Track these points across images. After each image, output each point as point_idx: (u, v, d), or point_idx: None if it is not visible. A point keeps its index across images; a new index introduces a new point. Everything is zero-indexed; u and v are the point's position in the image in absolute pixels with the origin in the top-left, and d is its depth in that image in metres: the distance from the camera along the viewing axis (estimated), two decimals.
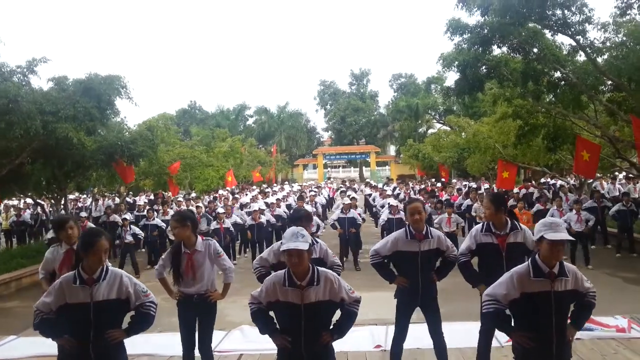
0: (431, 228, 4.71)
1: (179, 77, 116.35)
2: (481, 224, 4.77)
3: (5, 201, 18.71)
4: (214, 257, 4.73)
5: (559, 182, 20.52)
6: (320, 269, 3.44)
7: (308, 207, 12.94)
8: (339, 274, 3.69)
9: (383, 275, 4.82)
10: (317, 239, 4.83)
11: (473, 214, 13.83)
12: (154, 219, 13.34)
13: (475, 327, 6.32)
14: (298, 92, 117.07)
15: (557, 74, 13.14)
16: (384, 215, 11.85)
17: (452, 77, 48.54)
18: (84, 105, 11.13)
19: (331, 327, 3.47)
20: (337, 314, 3.50)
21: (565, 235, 3.23)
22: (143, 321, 3.55)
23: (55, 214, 16.10)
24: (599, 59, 12.32)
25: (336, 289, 3.38)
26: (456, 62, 13.06)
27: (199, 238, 4.71)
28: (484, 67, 13.24)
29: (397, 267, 4.81)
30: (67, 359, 3.48)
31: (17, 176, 12.44)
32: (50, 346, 6.35)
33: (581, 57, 12.99)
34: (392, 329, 6.29)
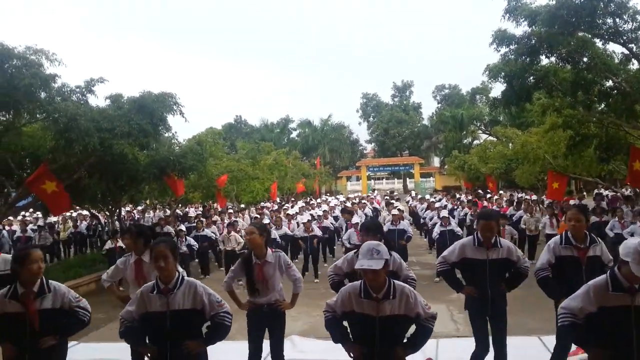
0: (501, 238, 4.63)
1: (225, 92, 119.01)
2: (559, 236, 4.64)
3: (63, 213, 19.60)
4: (284, 268, 4.87)
5: (608, 193, 19.78)
6: (397, 282, 3.45)
7: (355, 218, 12.98)
8: (414, 287, 3.71)
9: (450, 284, 4.78)
10: (392, 251, 4.76)
11: (522, 226, 13.52)
12: (203, 229, 13.71)
13: (529, 342, 6.27)
14: (341, 105, 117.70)
15: (609, 83, 12.76)
16: (437, 229, 11.73)
17: (498, 88, 47.70)
18: (138, 122, 11.55)
19: (405, 341, 3.46)
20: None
21: None
22: (218, 331, 3.65)
23: (110, 225, 16.76)
24: None
25: (412, 303, 3.36)
26: (502, 73, 12.88)
27: (269, 250, 4.85)
28: (531, 78, 12.96)
29: (465, 275, 4.75)
30: None
31: (75, 190, 12.99)
32: (108, 351, 6.71)
33: (634, 65, 12.58)
34: (442, 342, 6.34)
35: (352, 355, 3.50)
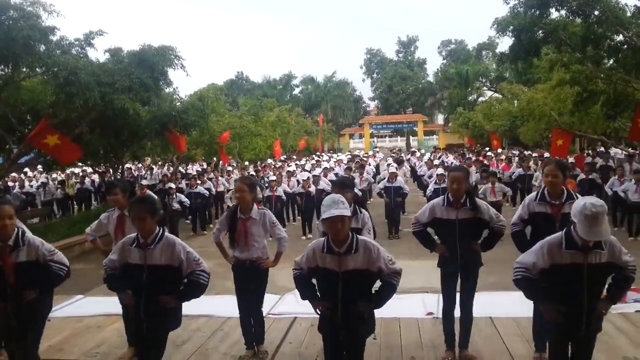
0: (472, 197, 4.56)
1: (227, 48, 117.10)
2: (535, 192, 4.62)
3: (68, 170, 19.67)
4: (269, 227, 4.86)
5: (617, 151, 19.65)
6: (361, 237, 3.44)
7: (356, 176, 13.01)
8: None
9: (423, 244, 4.80)
10: (362, 209, 4.75)
11: (534, 183, 13.47)
12: (196, 186, 13.74)
13: (511, 296, 6.31)
14: (344, 61, 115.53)
15: (620, 38, 12.43)
16: (431, 186, 11.75)
17: (505, 43, 46.77)
18: (138, 77, 11.40)
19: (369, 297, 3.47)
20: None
21: (602, 234, 3.04)
22: (194, 289, 3.71)
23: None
24: None
25: (374, 257, 3.34)
26: (511, 27, 12.57)
27: (255, 206, 4.84)
28: (540, 32, 12.64)
29: (437, 235, 4.77)
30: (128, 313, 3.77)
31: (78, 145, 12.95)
32: (113, 305, 6.80)
33: None
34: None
35: (318, 311, 3.52)
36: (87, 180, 19.05)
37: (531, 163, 15.61)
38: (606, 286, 3.34)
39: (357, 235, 3.42)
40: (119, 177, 16.62)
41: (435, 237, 4.86)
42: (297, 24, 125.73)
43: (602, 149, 21.48)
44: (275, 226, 4.93)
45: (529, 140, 24.18)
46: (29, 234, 3.92)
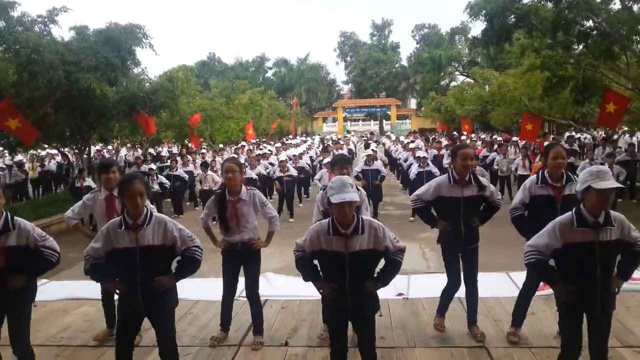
0: (475, 174, 4.62)
1: (197, 29, 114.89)
2: (535, 176, 4.62)
3: (31, 151, 19.10)
4: (259, 206, 4.77)
5: (585, 136, 20.13)
6: (365, 217, 3.42)
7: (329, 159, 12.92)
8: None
9: (425, 220, 4.81)
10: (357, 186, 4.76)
11: (495, 167, 13.69)
12: (177, 169, 13.55)
13: (498, 277, 6.44)
14: (318, 43, 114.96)
15: (589, 23, 12.58)
16: (414, 169, 11.75)
17: (478, 27, 47.06)
18: (105, 56, 11.07)
19: (375, 275, 3.47)
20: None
21: (614, 183, 3.13)
22: (189, 265, 3.61)
23: (80, 164, 16.39)
24: (635, 7, 11.76)
25: (380, 237, 3.35)
26: (484, 11, 12.60)
27: (244, 187, 4.75)
28: (512, 16, 12.70)
29: (439, 212, 4.76)
30: (112, 302, 3.59)
31: (41, 126, 12.56)
32: (79, 289, 6.68)
33: (616, 5, 12.46)
34: (413, 278, 6.44)
35: (322, 293, 3.53)
36: (52, 162, 18.54)
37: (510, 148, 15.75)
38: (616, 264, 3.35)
39: (361, 216, 3.39)
40: (85, 159, 16.23)
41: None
42: (271, 5, 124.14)
43: (573, 133, 22.03)
44: (265, 205, 4.83)
45: (499, 124, 24.52)
46: (19, 218, 3.74)
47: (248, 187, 4.82)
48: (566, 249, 3.22)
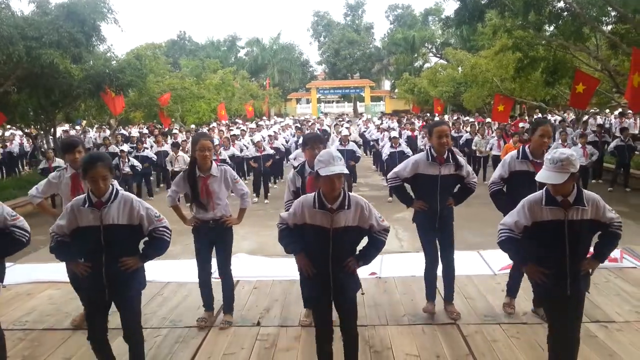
0: (453, 153, 4.59)
1: (168, 7, 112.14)
2: (516, 151, 4.59)
3: None
4: (230, 183, 4.64)
5: (556, 117, 20.43)
6: (351, 194, 3.31)
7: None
8: None
9: (401, 199, 4.78)
10: None
11: (473, 147, 13.78)
12: (143, 150, 13.26)
13: (470, 256, 6.50)
14: (291, 23, 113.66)
15: (560, 4, 12.72)
16: (386, 149, 11.74)
17: (451, 8, 47.12)
18: (68, 30, 10.64)
19: (357, 253, 3.41)
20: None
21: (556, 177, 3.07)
22: (157, 247, 3.48)
23: (45, 145, 15.89)
24: None
25: (366, 215, 3.28)
26: None
27: (214, 163, 4.61)
28: None
29: (416, 190, 4.73)
30: (79, 283, 3.44)
31: (3, 106, 12.09)
32: (44, 272, 6.50)
33: None
34: (387, 257, 6.43)
35: (299, 266, 3.42)
36: (14, 143, 17.92)
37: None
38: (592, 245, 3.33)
39: (348, 192, 3.30)
40: (51, 140, 15.72)
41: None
42: None
43: (540, 115, 22.37)
44: (237, 182, 4.70)
45: (471, 106, 24.71)
46: None
47: (218, 163, 4.69)
48: (536, 227, 3.18)
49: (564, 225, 3.11)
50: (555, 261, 3.16)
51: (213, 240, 4.67)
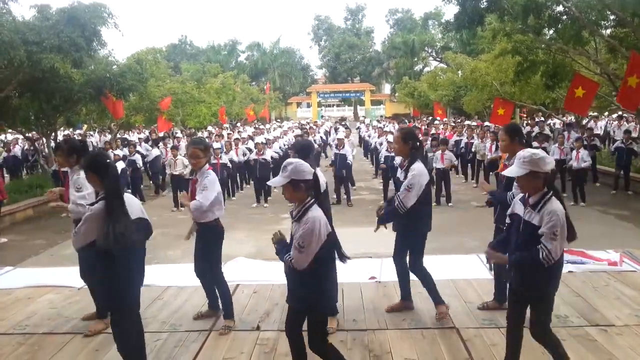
0: (415, 164, 4.48)
1: (169, 12, 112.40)
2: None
3: None
4: (202, 188, 4.52)
5: (555, 121, 20.45)
6: (315, 212, 3.21)
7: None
8: None
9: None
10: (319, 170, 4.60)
11: (473, 150, 13.74)
12: (134, 154, 13.39)
13: (468, 259, 6.51)
14: (292, 27, 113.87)
15: (560, 8, 12.74)
16: (382, 153, 11.77)
17: (451, 12, 47.22)
18: (68, 35, 10.67)
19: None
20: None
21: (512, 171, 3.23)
22: None
23: (45, 149, 15.92)
24: None
25: (296, 236, 3.19)
26: None
27: (205, 167, 4.63)
28: (484, 0, 12.79)
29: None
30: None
31: (5, 110, 12.14)
32: (44, 276, 6.51)
33: None
34: (386, 261, 6.42)
35: None
36: (17, 147, 17.97)
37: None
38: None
39: (311, 208, 3.23)
40: (52, 144, 15.75)
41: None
42: None
43: (542, 118, 22.38)
44: (204, 189, 4.47)
45: (471, 109, 24.72)
46: None
47: (211, 168, 4.70)
48: (509, 216, 3.45)
49: (520, 222, 3.29)
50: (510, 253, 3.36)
51: (198, 241, 4.70)
